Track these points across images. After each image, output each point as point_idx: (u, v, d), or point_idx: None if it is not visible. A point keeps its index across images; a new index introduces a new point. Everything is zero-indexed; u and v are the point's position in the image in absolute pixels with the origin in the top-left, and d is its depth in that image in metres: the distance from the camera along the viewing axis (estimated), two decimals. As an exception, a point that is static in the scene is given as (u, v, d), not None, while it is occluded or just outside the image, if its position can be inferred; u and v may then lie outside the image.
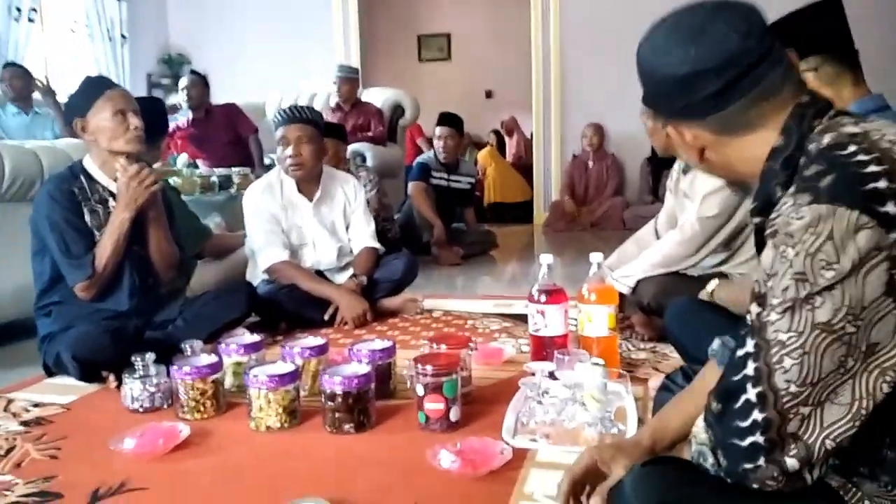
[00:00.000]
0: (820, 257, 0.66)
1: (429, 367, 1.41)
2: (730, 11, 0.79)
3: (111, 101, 1.87)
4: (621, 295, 1.91)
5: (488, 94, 7.61)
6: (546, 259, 1.75)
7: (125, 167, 1.87)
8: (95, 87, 1.92)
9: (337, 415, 1.45)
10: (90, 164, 1.96)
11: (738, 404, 0.69)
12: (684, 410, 0.96)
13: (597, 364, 1.46)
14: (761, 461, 0.67)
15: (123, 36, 5.30)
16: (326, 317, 2.35)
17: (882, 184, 0.66)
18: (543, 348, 1.72)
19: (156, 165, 2.62)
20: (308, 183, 2.46)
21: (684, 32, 0.80)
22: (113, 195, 1.93)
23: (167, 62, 5.79)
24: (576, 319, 1.77)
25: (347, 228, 2.54)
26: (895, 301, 0.65)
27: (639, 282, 1.99)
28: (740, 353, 0.71)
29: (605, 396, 1.41)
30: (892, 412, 0.69)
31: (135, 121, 1.89)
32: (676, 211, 2.14)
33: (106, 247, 1.87)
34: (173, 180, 3.08)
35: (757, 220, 0.80)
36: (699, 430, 0.76)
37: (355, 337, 2.17)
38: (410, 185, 3.84)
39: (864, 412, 0.67)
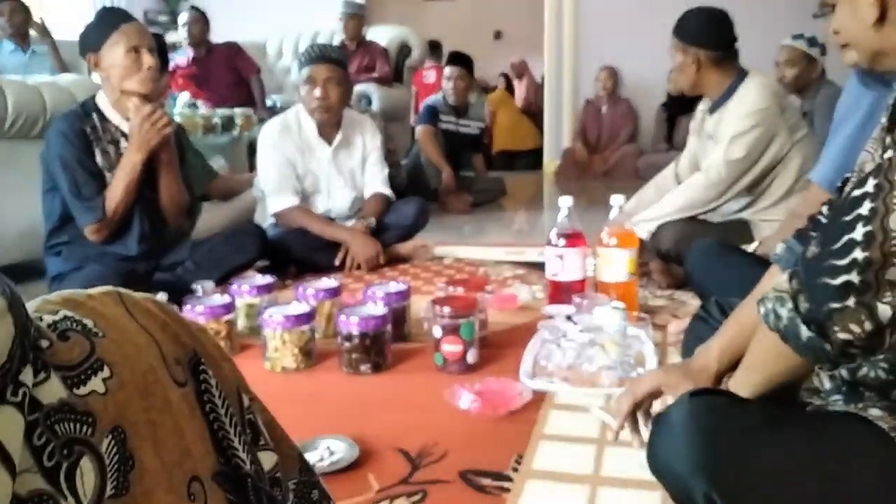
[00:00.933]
0: None
1: (447, 309, 1.40)
2: None
3: (126, 35, 1.80)
4: (640, 241, 1.88)
5: (497, 35, 7.39)
6: (565, 202, 1.71)
7: (138, 107, 1.81)
8: (110, 21, 1.84)
9: (353, 355, 1.44)
10: (103, 102, 1.90)
11: (840, 244, 0.64)
12: (750, 325, 0.86)
13: (616, 308, 1.43)
14: (851, 301, 0.63)
15: (120, -30, 5.12)
16: (337, 261, 2.32)
17: None
18: (561, 293, 1.70)
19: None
20: (329, 126, 2.39)
21: None
22: (125, 135, 1.88)
23: (165, -1, 5.61)
24: (594, 264, 1.74)
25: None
26: None
27: (658, 227, 1.95)
28: (857, 192, 0.65)
29: (624, 340, 1.40)
30: None
31: (149, 59, 1.81)
32: (699, 154, 2.09)
33: (117, 190, 1.83)
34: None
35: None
36: (779, 282, 0.70)
37: (366, 282, 2.15)
38: (418, 128, 3.75)
39: None
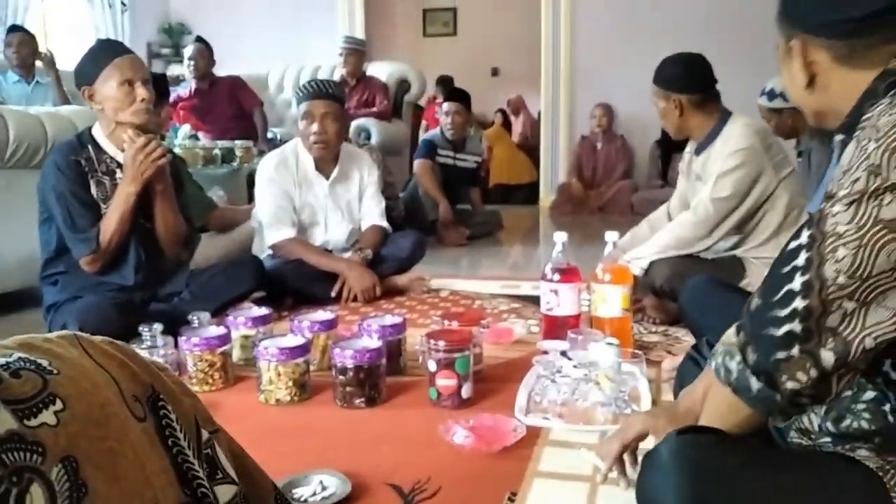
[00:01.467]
0: None
1: (441, 343, 1.40)
2: None
3: (119, 69, 1.82)
4: (633, 277, 1.90)
5: (494, 72, 7.52)
6: (560, 237, 1.73)
7: (133, 139, 1.82)
8: (104, 54, 1.86)
9: (348, 389, 1.44)
10: (98, 133, 1.92)
11: (780, 295, 0.67)
12: None
13: (611, 344, 1.44)
14: (795, 350, 0.65)
15: (123, 3, 5.22)
16: (334, 292, 2.33)
17: None
18: (556, 328, 1.70)
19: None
20: (327, 160, 2.42)
21: None
22: (120, 166, 1.90)
23: (167, 31, 5.70)
24: (588, 300, 1.75)
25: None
26: None
27: (651, 264, 1.97)
28: (793, 245, 0.69)
29: (619, 376, 1.40)
30: None
31: (143, 92, 1.83)
32: (688, 194, 2.12)
33: (111, 221, 1.84)
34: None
35: (840, 136, 0.80)
36: (727, 336, 0.73)
37: (362, 314, 2.15)
38: (416, 163, 3.79)
39: None
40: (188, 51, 4.21)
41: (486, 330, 1.78)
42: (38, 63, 3.95)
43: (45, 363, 0.50)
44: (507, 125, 6.95)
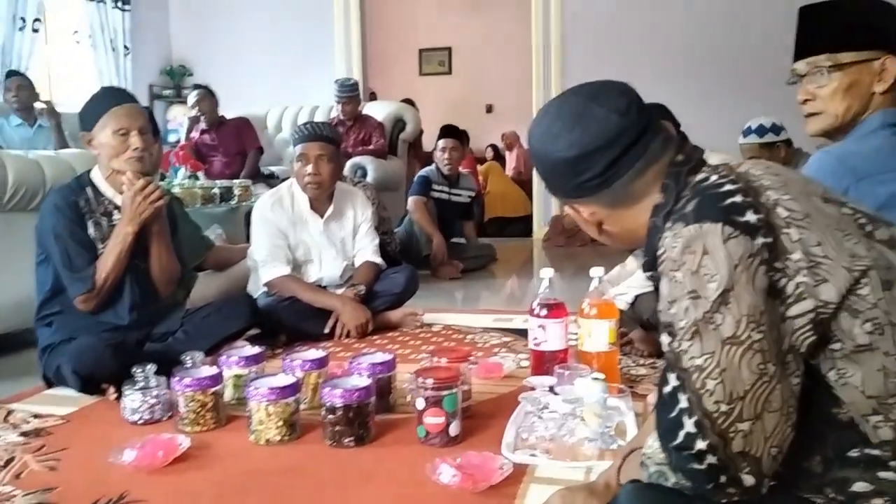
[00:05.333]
0: (703, 272, 0.72)
1: (429, 381, 1.42)
2: (606, 93, 0.88)
3: (115, 118, 1.87)
4: (621, 311, 1.92)
5: (489, 109, 7.65)
6: (547, 273, 1.76)
7: (131, 181, 1.87)
8: (103, 102, 1.91)
9: (337, 428, 1.45)
10: (97, 176, 1.97)
11: (681, 438, 0.70)
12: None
13: (597, 379, 1.46)
14: (722, 478, 0.69)
15: (126, 47, 5.34)
16: (327, 329, 2.35)
17: (738, 198, 0.74)
18: (544, 363, 1.72)
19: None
20: (321, 199, 2.47)
21: (567, 118, 0.88)
22: (118, 208, 1.94)
23: (169, 73, 5.83)
24: (576, 334, 1.77)
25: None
26: (781, 302, 0.71)
27: (637, 297, 2.00)
28: (667, 389, 0.73)
29: (605, 412, 1.42)
30: (817, 428, 0.73)
31: (136, 141, 1.87)
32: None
33: (108, 260, 1.87)
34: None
35: (649, 273, 0.85)
36: (653, 451, 0.76)
37: (355, 350, 2.17)
38: (410, 199, 3.85)
39: (792, 410, 0.71)
40: (191, 98, 4.35)
41: (476, 366, 1.80)
42: (39, 104, 4.04)
43: None
44: (497, 159, 7.06)
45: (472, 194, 4.13)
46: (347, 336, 2.35)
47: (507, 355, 2.08)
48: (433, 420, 1.42)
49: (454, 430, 1.44)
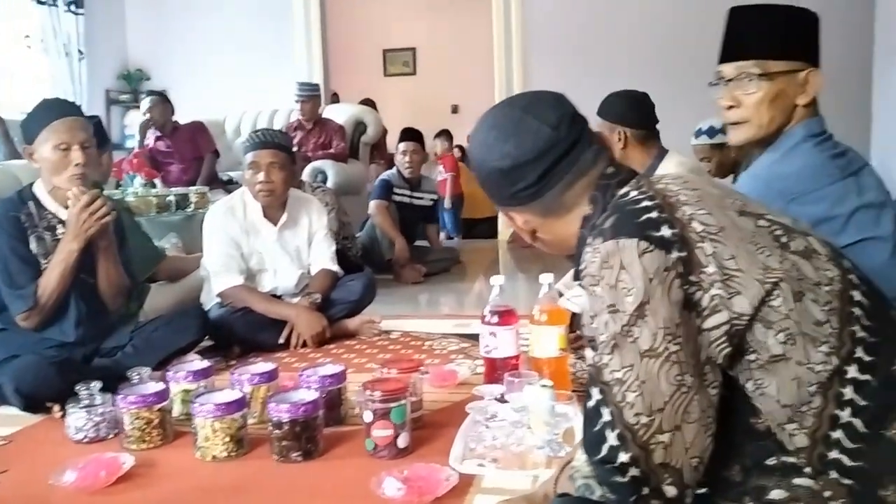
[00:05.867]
0: (621, 286, 0.74)
1: (376, 393, 1.41)
2: (540, 105, 0.90)
3: (55, 133, 1.81)
4: (575, 313, 1.93)
5: (454, 109, 7.65)
6: (497, 280, 1.76)
7: (77, 196, 1.82)
8: (43, 115, 1.86)
9: (284, 443, 1.43)
10: (40, 190, 1.92)
11: (605, 451, 0.72)
12: None
13: (545, 386, 1.46)
14: (645, 490, 0.71)
15: (80, 51, 5.20)
16: (282, 339, 2.32)
17: (654, 214, 0.76)
18: (496, 370, 1.72)
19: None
20: (274, 207, 2.44)
21: (501, 129, 0.90)
22: (62, 222, 1.89)
23: (126, 78, 5.70)
24: (528, 340, 1.78)
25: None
26: (697, 315, 0.72)
27: (591, 300, 2.01)
28: (591, 403, 0.74)
29: (552, 419, 1.42)
30: (736, 438, 0.75)
31: (78, 156, 1.81)
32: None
33: (51, 277, 1.83)
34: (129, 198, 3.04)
35: (581, 282, 0.87)
36: (580, 464, 0.77)
37: (310, 360, 2.15)
38: (371, 203, 3.83)
39: (710, 421, 0.72)
40: (144, 104, 4.27)
41: (427, 375, 1.79)
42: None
43: None
44: (463, 160, 7.05)
45: (435, 197, 4.13)
46: (303, 346, 2.33)
47: (464, 362, 2.08)
48: (381, 433, 1.41)
49: (403, 441, 1.43)
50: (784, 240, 0.78)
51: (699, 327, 0.72)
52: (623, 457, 0.70)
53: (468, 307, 3.18)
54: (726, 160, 2.84)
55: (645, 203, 0.78)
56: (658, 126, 2.16)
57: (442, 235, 5.43)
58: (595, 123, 2.10)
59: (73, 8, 5.15)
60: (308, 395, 1.49)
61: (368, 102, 5.57)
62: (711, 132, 2.84)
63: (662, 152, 2.09)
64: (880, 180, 1.33)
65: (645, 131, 2.07)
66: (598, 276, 0.76)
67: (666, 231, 0.75)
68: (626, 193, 0.83)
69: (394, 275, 3.69)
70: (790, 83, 1.27)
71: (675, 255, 0.73)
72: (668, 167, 2.04)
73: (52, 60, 5.08)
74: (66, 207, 1.86)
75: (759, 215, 0.81)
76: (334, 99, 5.60)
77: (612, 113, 2.07)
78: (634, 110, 2.08)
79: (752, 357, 0.74)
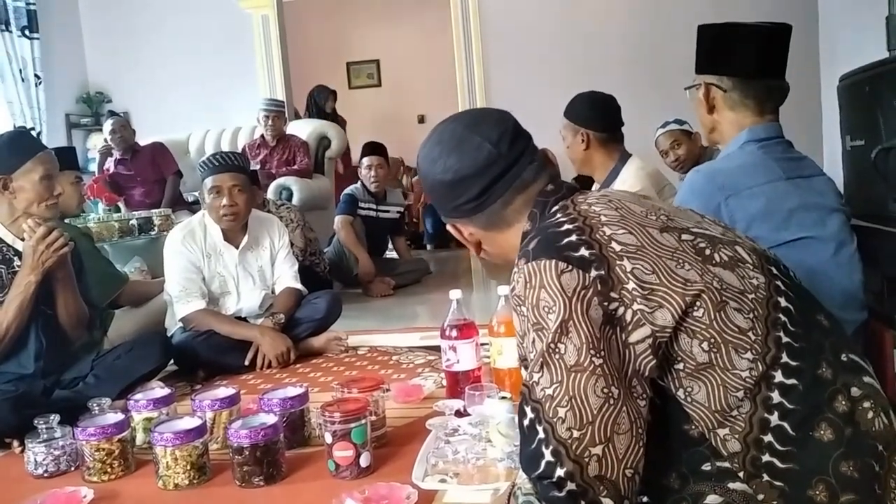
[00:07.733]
0: (542, 305, 0.77)
1: (336, 415, 1.41)
2: (483, 123, 0.93)
3: (42, 164, 1.87)
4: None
5: (421, 119, 7.68)
6: (455, 294, 1.78)
7: (33, 229, 1.81)
8: (26, 147, 1.90)
9: (245, 468, 1.43)
10: None
11: (542, 468, 0.74)
12: None
13: (504, 398, 1.48)
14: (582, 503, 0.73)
15: (38, 76, 5.13)
16: (247, 361, 2.31)
17: (574, 237, 0.80)
18: (458, 383, 1.74)
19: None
20: (235, 230, 2.43)
21: (446, 144, 0.93)
22: (18, 254, 1.88)
23: (86, 101, 5.63)
24: (488, 351, 1.80)
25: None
26: (621, 330, 0.75)
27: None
28: (526, 422, 0.77)
29: (512, 430, 1.43)
30: (672, 446, 0.77)
31: (59, 187, 1.91)
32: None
33: (9, 311, 1.82)
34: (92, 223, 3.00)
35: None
36: (522, 481, 0.80)
37: (276, 381, 2.15)
38: (336, 219, 3.83)
39: (641, 431, 0.75)
40: (107, 127, 4.22)
41: (389, 392, 1.80)
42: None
43: None
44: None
45: (401, 209, 4.14)
46: (269, 366, 2.32)
47: (430, 375, 2.09)
48: (342, 453, 1.41)
49: (365, 461, 1.43)
50: (708, 252, 0.82)
51: (625, 341, 0.75)
52: (559, 472, 0.72)
53: (438, 318, 3.18)
54: (695, 148, 2.94)
55: (566, 226, 0.82)
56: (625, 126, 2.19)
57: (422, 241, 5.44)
58: (561, 124, 2.14)
59: (27, 33, 5.08)
60: (268, 419, 1.49)
61: (331, 117, 5.55)
62: (679, 122, 2.96)
63: (625, 157, 2.12)
64: (838, 191, 1.39)
65: (607, 134, 2.09)
66: (522, 296, 0.79)
67: (584, 251, 0.78)
68: (554, 214, 0.86)
69: (363, 289, 3.69)
70: (695, 95, 1.38)
71: (593, 273, 0.77)
72: (629, 172, 2.07)
73: (9, 86, 5.01)
74: (23, 240, 1.84)
75: (683, 230, 0.84)
76: (298, 116, 5.59)
77: (575, 114, 2.09)
78: (598, 112, 2.09)
79: (680, 366, 0.77)
